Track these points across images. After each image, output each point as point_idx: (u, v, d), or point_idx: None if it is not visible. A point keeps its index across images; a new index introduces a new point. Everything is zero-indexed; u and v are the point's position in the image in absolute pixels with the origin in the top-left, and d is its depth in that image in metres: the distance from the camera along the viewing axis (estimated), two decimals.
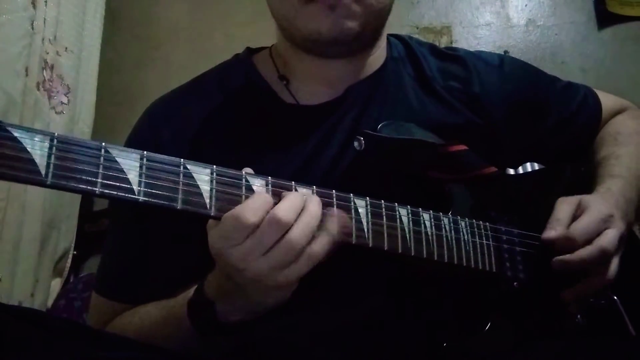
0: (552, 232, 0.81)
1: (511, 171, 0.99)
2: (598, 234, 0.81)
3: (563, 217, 0.82)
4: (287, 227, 0.61)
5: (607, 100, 1.04)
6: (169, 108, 0.88)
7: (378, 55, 0.90)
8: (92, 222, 2.00)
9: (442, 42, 2.20)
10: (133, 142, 0.86)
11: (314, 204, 0.64)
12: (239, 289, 0.65)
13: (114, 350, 0.63)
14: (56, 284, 1.86)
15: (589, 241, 0.80)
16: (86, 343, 0.61)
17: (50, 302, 1.79)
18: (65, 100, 1.82)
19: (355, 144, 0.78)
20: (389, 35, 0.95)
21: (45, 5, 1.73)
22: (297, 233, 0.62)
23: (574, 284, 0.82)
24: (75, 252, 1.93)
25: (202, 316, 0.70)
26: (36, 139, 0.51)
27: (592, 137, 1.02)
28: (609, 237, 0.80)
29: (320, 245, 0.64)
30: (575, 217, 0.83)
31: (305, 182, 0.68)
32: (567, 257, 0.80)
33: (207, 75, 0.92)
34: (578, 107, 1.00)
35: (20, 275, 1.64)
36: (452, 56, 0.95)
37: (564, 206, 0.84)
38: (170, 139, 0.82)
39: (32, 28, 1.66)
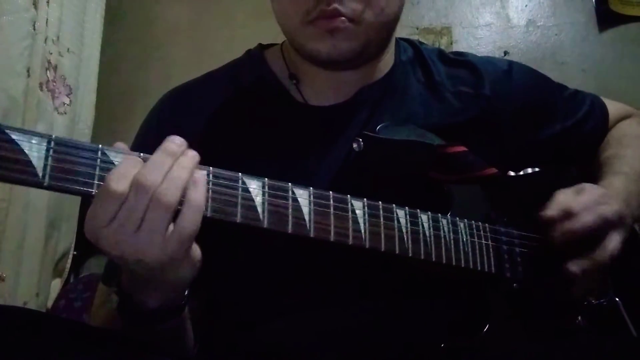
0: (550, 210, 0.82)
1: (511, 173, 0.99)
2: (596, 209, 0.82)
3: (562, 199, 0.83)
4: (155, 188, 0.56)
5: (614, 108, 1.05)
6: (179, 102, 0.89)
7: (387, 60, 0.91)
8: None
9: (442, 43, 2.20)
10: (142, 136, 0.87)
11: (187, 159, 0.59)
12: (136, 276, 0.62)
13: (113, 349, 0.63)
14: (56, 285, 1.86)
15: (588, 214, 0.81)
16: (85, 343, 0.61)
17: (50, 303, 1.79)
18: (67, 100, 1.82)
19: (355, 145, 0.79)
20: (399, 38, 0.96)
21: (47, 5, 1.73)
22: (163, 190, 0.56)
23: (578, 259, 0.82)
24: (75, 253, 1.93)
25: (126, 310, 0.67)
26: (34, 141, 0.52)
27: (598, 145, 1.02)
28: (608, 208, 0.82)
29: (199, 193, 0.59)
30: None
31: (313, 183, 0.68)
32: (570, 224, 0.81)
33: (219, 71, 0.93)
34: (585, 115, 1.01)
35: (24, 275, 1.64)
36: (461, 62, 0.96)
37: (561, 195, 0.85)
38: (179, 135, 0.82)
39: (34, 29, 1.66)
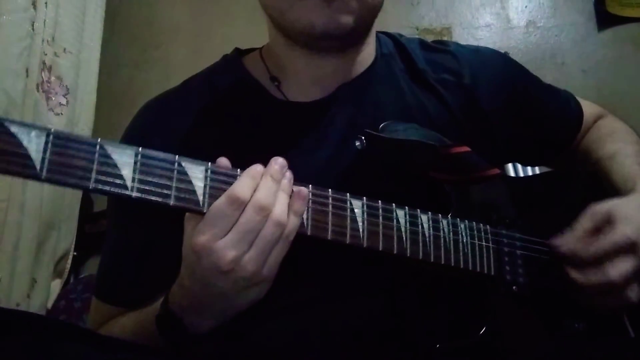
0: (563, 247, 0.80)
1: (511, 173, 0.99)
2: (615, 257, 0.78)
3: (580, 231, 0.80)
4: (270, 209, 0.61)
5: (588, 106, 1.05)
6: (159, 112, 0.88)
7: (368, 53, 0.90)
8: (92, 223, 2.00)
9: None
10: None
11: (287, 182, 0.65)
12: (213, 297, 0.64)
13: (112, 352, 0.63)
14: (56, 285, 1.86)
15: (600, 264, 0.78)
16: (84, 345, 0.61)
17: (50, 303, 1.79)
18: (64, 101, 1.82)
19: (357, 143, 0.78)
20: (378, 32, 0.95)
21: (46, 6, 1.73)
22: (279, 212, 0.62)
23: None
24: (75, 253, 1.93)
25: (171, 331, 0.69)
26: (32, 134, 0.52)
27: (574, 136, 1.03)
28: (622, 269, 0.77)
29: (293, 224, 0.64)
30: (599, 229, 0.80)
31: (299, 180, 0.67)
32: (576, 276, 0.79)
33: (196, 77, 0.92)
34: (562, 104, 1.02)
35: (17, 276, 1.64)
36: (441, 49, 0.96)
37: (587, 221, 0.81)
38: (161, 143, 0.81)
39: (33, 29, 1.66)
